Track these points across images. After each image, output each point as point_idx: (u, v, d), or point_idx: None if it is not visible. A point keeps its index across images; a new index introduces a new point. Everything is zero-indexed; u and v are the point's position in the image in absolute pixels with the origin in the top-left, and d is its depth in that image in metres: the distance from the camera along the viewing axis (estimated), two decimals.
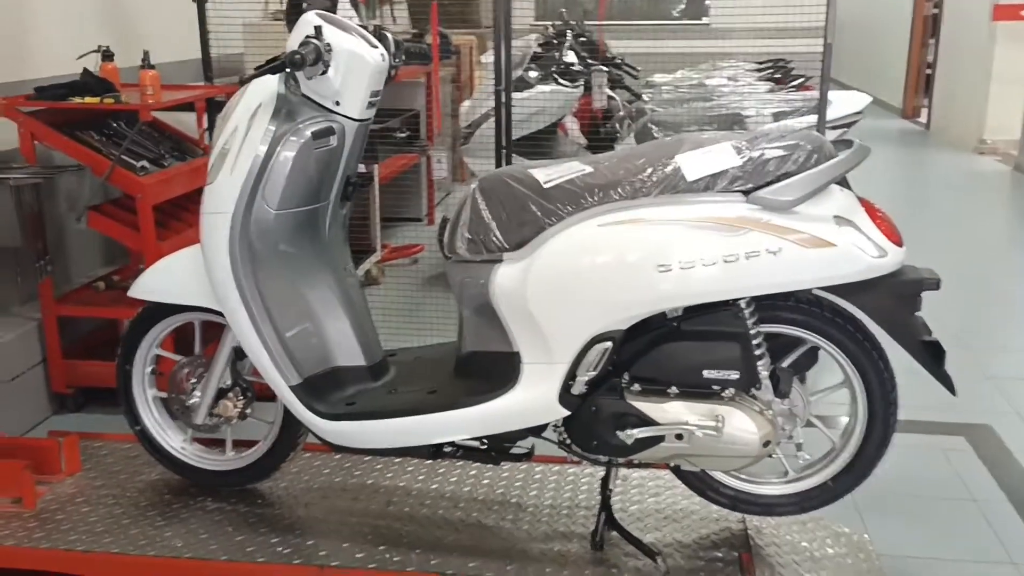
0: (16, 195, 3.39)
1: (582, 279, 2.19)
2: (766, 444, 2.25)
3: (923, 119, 11.97)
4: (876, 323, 2.27)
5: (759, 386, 2.27)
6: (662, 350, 2.27)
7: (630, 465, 2.46)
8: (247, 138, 2.28)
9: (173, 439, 2.74)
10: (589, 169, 2.26)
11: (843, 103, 4.67)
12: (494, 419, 2.33)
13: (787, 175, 2.15)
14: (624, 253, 2.15)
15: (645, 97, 5.28)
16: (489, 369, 2.35)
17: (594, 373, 2.25)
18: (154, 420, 2.73)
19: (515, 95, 4.63)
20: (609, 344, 2.22)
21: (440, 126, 5.26)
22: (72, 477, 2.82)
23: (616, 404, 2.29)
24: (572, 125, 5.51)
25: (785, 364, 2.37)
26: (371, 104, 2.42)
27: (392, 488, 2.76)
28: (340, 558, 2.41)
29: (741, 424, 2.24)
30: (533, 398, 2.29)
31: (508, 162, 4.32)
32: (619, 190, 2.19)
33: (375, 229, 5.08)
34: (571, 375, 2.25)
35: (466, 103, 5.05)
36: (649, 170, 2.18)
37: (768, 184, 2.14)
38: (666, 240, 2.14)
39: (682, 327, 2.26)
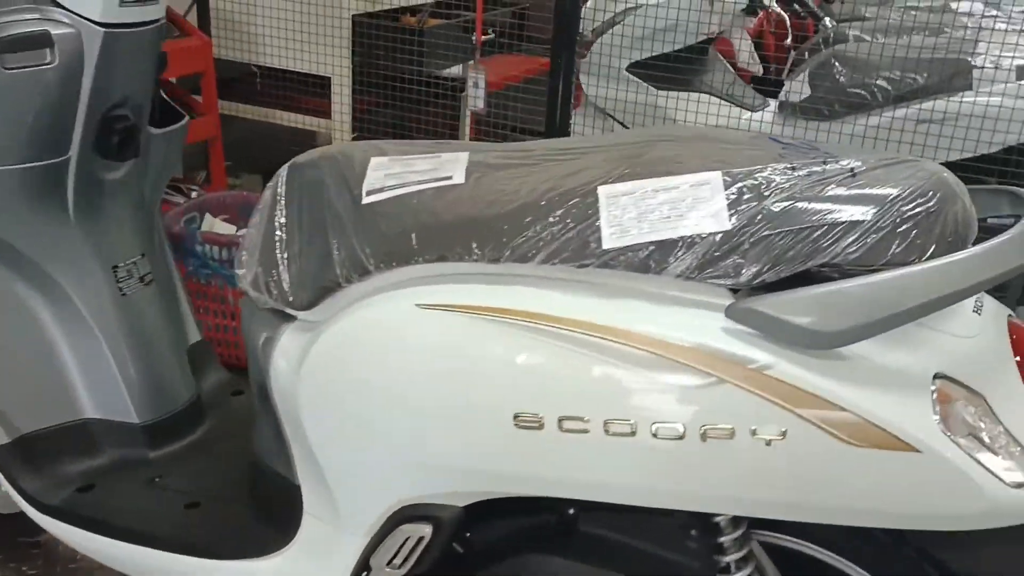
0: None
1: (376, 401, 1.10)
2: None
3: None
4: None
5: None
6: (539, 561, 1.16)
7: None
8: None
9: None
10: (456, 179, 1.13)
11: None
12: None
13: (839, 271, 0.94)
14: (455, 371, 1.04)
15: (828, 22, 3.81)
16: (271, 496, 1.34)
17: (400, 573, 1.18)
18: None
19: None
20: (427, 530, 1.14)
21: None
22: None
23: None
24: (742, 46, 4.15)
25: None
26: None
27: None
28: None
29: None
30: None
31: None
32: (475, 242, 1.05)
33: None
34: (364, 562, 1.20)
35: (589, 3, 3.83)
36: (542, 203, 1.03)
37: (790, 283, 0.94)
38: (539, 365, 1.01)
39: (581, 526, 1.14)
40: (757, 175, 0.98)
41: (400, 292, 1.08)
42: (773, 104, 3.74)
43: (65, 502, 1.48)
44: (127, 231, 1.59)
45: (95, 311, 1.54)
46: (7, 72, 1.32)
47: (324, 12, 3.04)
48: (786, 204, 0.95)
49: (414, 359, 1.06)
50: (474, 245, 1.04)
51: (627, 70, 3.68)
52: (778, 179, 0.97)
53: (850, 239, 0.93)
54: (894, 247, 0.93)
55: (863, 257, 0.93)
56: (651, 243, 0.97)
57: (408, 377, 1.07)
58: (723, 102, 3.74)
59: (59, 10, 1.35)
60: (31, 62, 1.34)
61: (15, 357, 1.51)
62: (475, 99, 2.63)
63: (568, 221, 1.00)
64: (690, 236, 0.96)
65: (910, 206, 0.93)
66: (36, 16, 1.34)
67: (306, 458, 1.22)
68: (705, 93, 3.82)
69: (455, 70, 3.55)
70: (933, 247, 0.93)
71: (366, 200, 1.15)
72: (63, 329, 1.53)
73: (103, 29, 1.37)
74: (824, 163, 1.00)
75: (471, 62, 2.77)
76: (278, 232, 1.22)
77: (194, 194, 2.96)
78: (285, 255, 1.21)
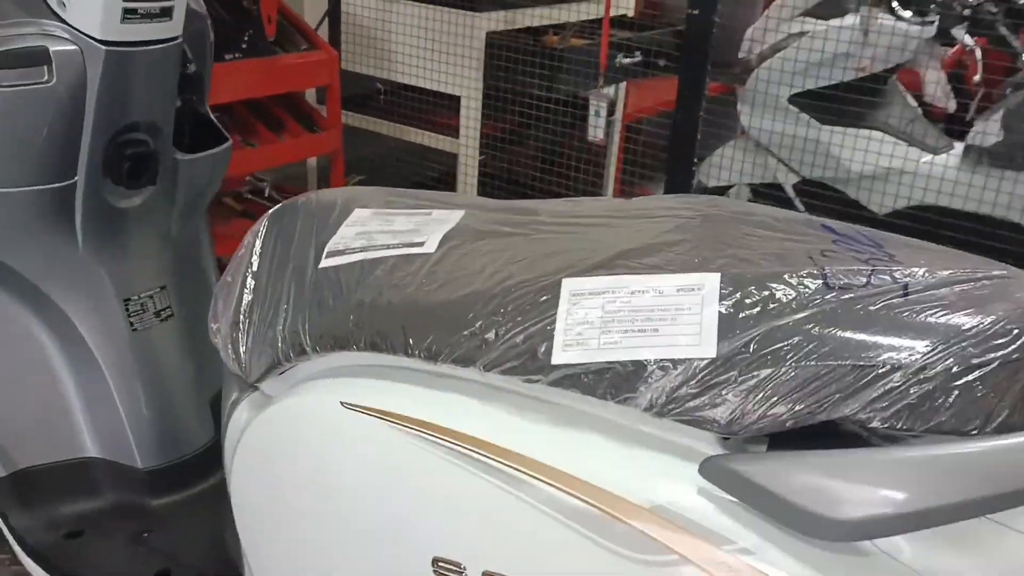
0: None
1: (293, 507, 0.91)
2: None
3: None
4: None
5: None
6: None
7: None
8: None
9: None
10: (427, 247, 0.92)
11: None
12: None
13: (867, 431, 0.67)
14: (372, 494, 0.84)
15: None
16: None
17: None
18: None
19: (816, 25, 3.08)
20: None
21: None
22: None
23: None
24: (933, 82, 3.70)
25: None
26: (144, 15, 1.26)
27: None
28: None
29: None
30: None
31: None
32: (410, 335, 0.84)
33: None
34: None
35: (754, 25, 3.50)
36: (494, 293, 0.81)
37: (795, 440, 0.68)
38: (464, 502, 0.78)
39: None
40: (770, 283, 0.72)
41: (329, 383, 0.89)
42: (959, 147, 3.29)
43: (48, 548, 1.39)
44: (145, 262, 1.47)
45: (102, 345, 1.43)
46: (3, 89, 1.23)
47: (458, 30, 2.90)
48: (800, 329, 0.69)
49: (332, 469, 0.86)
50: (410, 340, 0.83)
51: (789, 101, 3.33)
52: (798, 292, 0.71)
53: (882, 389, 0.65)
54: (948, 407, 0.64)
55: (900, 417, 0.65)
56: (610, 363, 0.73)
57: (324, 489, 0.87)
58: (898, 141, 3.32)
59: (59, 25, 1.24)
60: (27, 80, 1.24)
61: (18, 388, 1.43)
62: (595, 128, 2.40)
63: (517, 321, 0.78)
64: (661, 360, 0.71)
65: (979, 349, 0.65)
66: (34, 31, 1.24)
67: (246, 550, 1.05)
68: (877, 130, 3.41)
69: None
70: (1006, 412, 0.64)
71: (323, 263, 0.97)
72: (69, 361, 1.43)
73: (104, 47, 1.26)
74: (872, 271, 0.72)
75: (598, 88, 2.54)
76: (246, 289, 1.06)
77: None
78: (247, 317, 1.04)
